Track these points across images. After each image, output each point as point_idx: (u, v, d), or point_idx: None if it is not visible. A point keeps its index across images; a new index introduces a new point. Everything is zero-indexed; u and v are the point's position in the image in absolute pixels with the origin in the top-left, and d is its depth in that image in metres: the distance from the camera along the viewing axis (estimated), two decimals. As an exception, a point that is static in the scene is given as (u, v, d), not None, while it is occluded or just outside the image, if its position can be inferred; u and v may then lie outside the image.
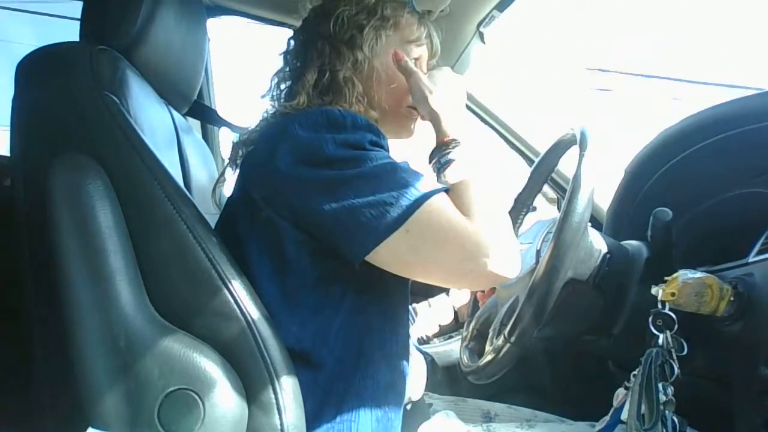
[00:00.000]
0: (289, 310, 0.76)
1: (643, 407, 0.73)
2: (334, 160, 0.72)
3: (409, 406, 0.95)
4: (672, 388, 0.74)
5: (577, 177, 0.78)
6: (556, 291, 0.76)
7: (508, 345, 0.79)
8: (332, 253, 0.74)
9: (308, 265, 0.76)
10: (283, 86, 0.94)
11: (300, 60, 0.92)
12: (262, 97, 0.94)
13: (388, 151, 0.77)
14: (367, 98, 0.89)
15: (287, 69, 0.94)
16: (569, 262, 0.77)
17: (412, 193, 0.71)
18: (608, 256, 0.88)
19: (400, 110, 0.92)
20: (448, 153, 0.81)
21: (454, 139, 0.82)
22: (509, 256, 0.73)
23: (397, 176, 0.72)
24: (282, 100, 0.91)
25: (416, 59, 0.93)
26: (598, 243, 0.89)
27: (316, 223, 0.73)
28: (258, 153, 0.80)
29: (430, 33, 0.96)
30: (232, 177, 0.89)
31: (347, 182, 0.71)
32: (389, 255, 0.72)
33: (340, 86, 0.87)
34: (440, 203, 0.72)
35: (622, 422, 0.83)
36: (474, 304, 1.11)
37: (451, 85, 0.88)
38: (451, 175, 0.79)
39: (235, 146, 0.89)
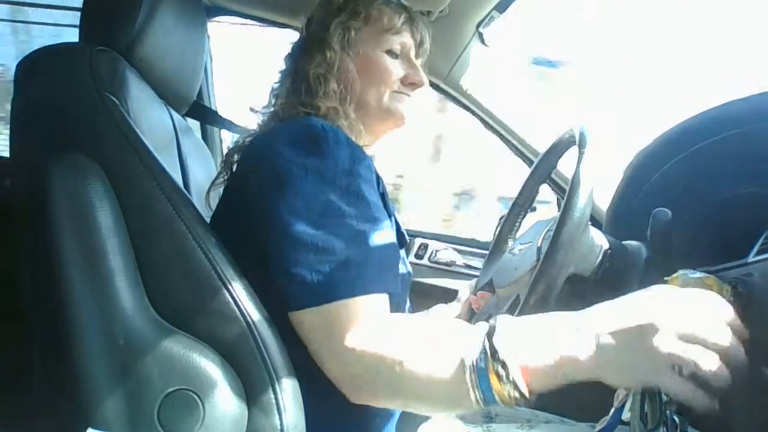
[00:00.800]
0: (278, 322, 0.75)
1: (645, 407, 0.73)
2: (297, 197, 0.70)
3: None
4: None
5: (577, 174, 0.78)
6: (559, 285, 0.76)
7: None
8: None
9: None
10: (273, 95, 0.96)
11: (284, 66, 0.96)
12: (262, 109, 0.95)
13: (367, 171, 0.76)
14: (344, 92, 0.90)
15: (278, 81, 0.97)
16: (571, 257, 0.77)
17: (343, 282, 0.67)
18: (609, 252, 0.89)
19: (383, 98, 0.92)
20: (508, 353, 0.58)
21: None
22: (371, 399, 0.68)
23: (344, 251, 0.68)
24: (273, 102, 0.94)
25: (397, 47, 0.94)
26: (599, 239, 0.89)
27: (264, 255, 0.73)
28: (244, 163, 0.82)
29: (412, 19, 0.96)
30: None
31: (291, 238, 0.69)
32: (294, 324, 0.71)
33: (310, 84, 0.88)
34: (357, 310, 0.67)
35: (623, 422, 0.83)
36: (470, 311, 1.11)
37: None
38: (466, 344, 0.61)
39: (231, 151, 0.90)
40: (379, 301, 0.70)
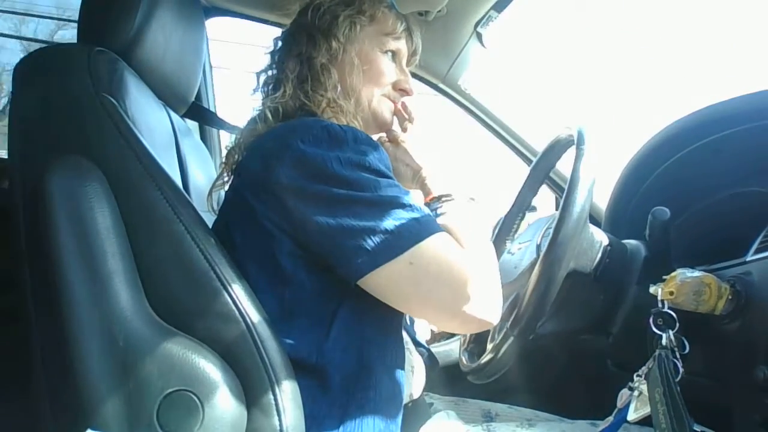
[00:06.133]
0: (285, 321, 0.75)
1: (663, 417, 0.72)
2: (338, 179, 0.72)
3: (409, 405, 0.95)
4: (678, 387, 0.73)
5: (576, 171, 0.79)
6: (559, 281, 0.76)
7: (510, 340, 0.79)
8: (328, 267, 0.74)
9: (304, 277, 0.76)
10: (270, 82, 0.95)
11: (283, 52, 0.94)
12: (252, 94, 0.95)
13: (390, 167, 0.78)
14: (341, 86, 0.90)
15: (272, 65, 0.96)
16: (571, 253, 0.77)
17: (417, 226, 0.72)
18: (609, 248, 0.89)
19: (373, 99, 0.94)
20: (440, 207, 0.85)
21: (444, 195, 0.87)
22: (496, 305, 0.75)
23: (401, 209, 0.72)
24: (269, 94, 0.92)
25: (393, 52, 0.95)
26: (598, 235, 0.89)
27: (313, 237, 0.73)
28: (257, 163, 0.79)
29: (410, 29, 0.97)
30: (229, 180, 0.89)
31: (348, 204, 0.71)
32: (387, 282, 0.72)
33: (317, 74, 0.89)
34: (445, 240, 0.74)
35: (626, 422, 0.83)
36: None
37: (420, 145, 0.94)
38: (444, 220, 0.81)
39: (231, 152, 0.89)
40: (445, 236, 0.75)
